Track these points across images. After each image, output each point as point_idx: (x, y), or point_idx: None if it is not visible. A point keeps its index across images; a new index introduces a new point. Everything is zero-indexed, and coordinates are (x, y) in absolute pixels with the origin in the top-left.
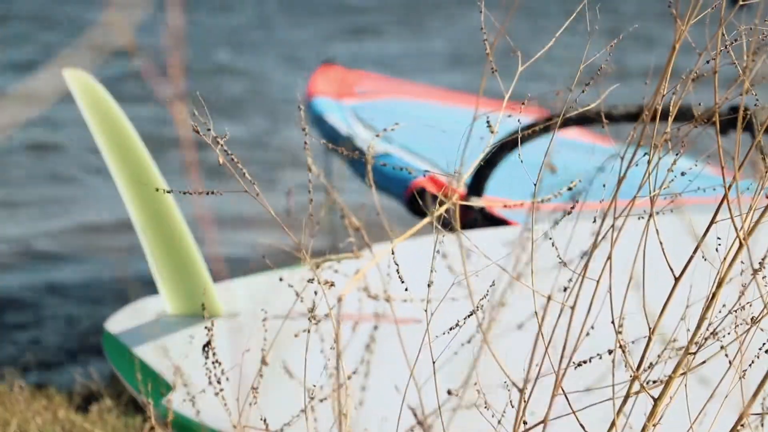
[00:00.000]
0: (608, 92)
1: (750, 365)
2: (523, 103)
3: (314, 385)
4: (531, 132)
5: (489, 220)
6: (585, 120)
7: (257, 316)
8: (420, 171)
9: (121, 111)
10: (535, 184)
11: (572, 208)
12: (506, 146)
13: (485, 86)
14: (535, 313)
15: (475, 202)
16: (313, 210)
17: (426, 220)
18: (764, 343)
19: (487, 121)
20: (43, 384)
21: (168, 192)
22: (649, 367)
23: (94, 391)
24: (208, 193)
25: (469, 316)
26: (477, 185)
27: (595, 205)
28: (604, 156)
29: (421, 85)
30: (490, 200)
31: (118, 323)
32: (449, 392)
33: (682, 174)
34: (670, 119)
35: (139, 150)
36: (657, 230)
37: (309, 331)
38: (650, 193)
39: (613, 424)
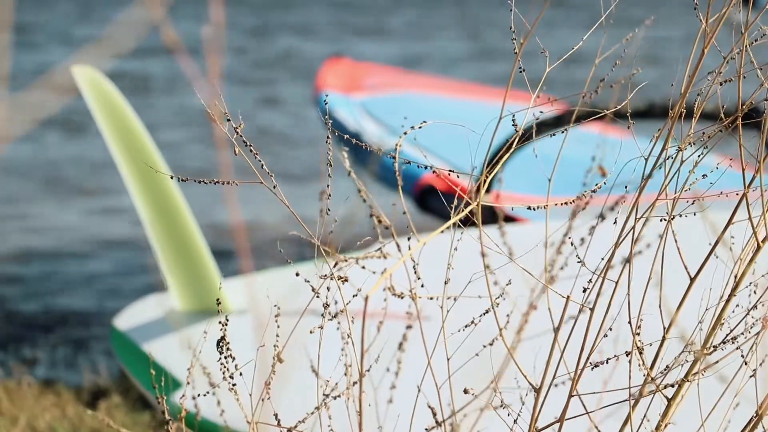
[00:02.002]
0: (636, 91)
1: (760, 364)
2: (545, 99)
3: (327, 381)
4: (543, 128)
5: (497, 216)
6: (596, 117)
7: (273, 312)
8: (431, 168)
9: (130, 107)
10: (549, 179)
11: (586, 203)
12: (516, 142)
13: (507, 72)
14: (550, 314)
15: (497, 202)
16: (332, 206)
17: (452, 220)
18: None
19: (513, 122)
20: (51, 380)
21: (175, 179)
22: (665, 369)
23: (102, 387)
24: (222, 183)
25: (483, 314)
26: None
27: (615, 198)
28: (622, 151)
29: (433, 77)
30: (509, 199)
31: (126, 319)
32: (465, 391)
33: (704, 176)
34: (694, 120)
35: (147, 146)
36: (674, 232)
37: (322, 327)
38: (674, 192)
39: (627, 418)
